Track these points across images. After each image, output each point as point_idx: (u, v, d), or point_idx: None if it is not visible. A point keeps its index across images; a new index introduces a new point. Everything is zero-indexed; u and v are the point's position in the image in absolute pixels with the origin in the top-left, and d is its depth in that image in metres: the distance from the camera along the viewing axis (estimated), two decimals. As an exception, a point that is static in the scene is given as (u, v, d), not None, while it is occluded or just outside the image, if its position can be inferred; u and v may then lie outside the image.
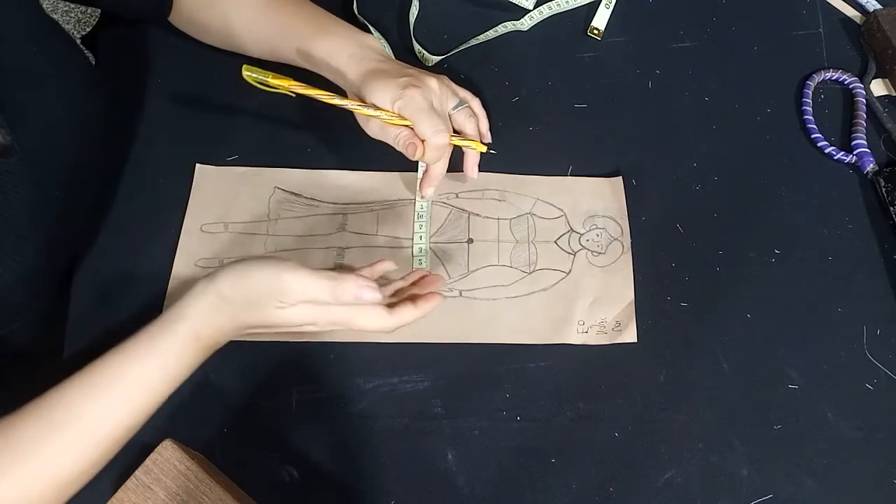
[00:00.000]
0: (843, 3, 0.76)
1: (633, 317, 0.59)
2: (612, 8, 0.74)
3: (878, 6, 0.75)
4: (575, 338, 0.58)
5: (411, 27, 0.70)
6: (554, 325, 0.59)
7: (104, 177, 0.62)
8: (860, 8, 0.76)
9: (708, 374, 0.58)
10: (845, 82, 0.71)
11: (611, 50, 0.72)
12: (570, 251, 0.62)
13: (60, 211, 0.53)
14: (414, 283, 0.55)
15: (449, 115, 0.58)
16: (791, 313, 0.61)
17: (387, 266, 0.54)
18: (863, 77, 0.71)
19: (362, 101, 0.55)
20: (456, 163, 0.61)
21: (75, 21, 1.60)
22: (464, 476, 0.54)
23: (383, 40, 0.68)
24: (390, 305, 0.50)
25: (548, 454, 0.55)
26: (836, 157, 0.67)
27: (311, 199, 0.63)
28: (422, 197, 0.62)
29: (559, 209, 0.64)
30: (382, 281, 0.54)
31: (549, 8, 0.73)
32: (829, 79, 0.72)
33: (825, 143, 0.68)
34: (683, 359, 0.59)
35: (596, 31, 0.72)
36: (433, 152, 0.55)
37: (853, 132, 0.68)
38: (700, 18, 0.74)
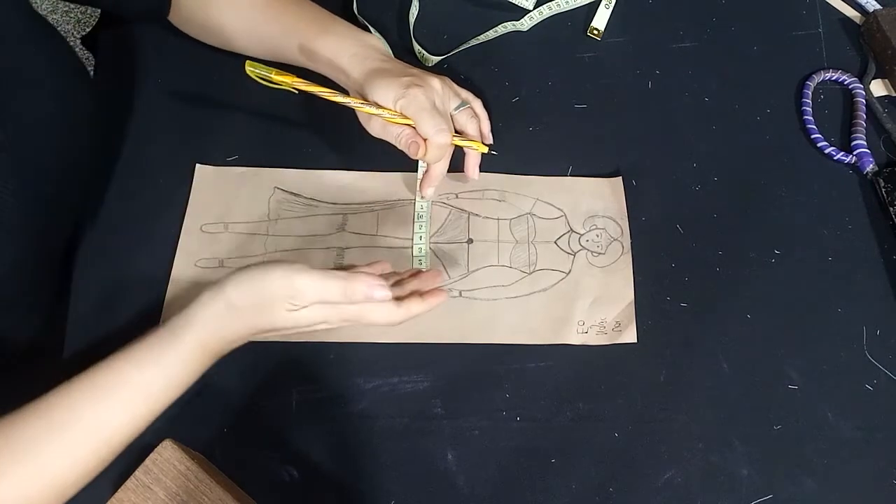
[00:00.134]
0: (843, 3, 0.76)
1: (633, 317, 0.59)
2: (611, 8, 0.74)
3: (878, 6, 0.75)
4: (575, 338, 0.58)
5: (411, 27, 0.70)
6: (554, 326, 0.59)
7: (97, 174, 0.62)
8: (860, 8, 0.76)
9: (708, 374, 0.58)
10: (845, 82, 0.71)
11: (611, 50, 0.72)
12: (570, 251, 0.62)
13: (50, 206, 0.53)
14: (414, 275, 0.55)
15: (451, 116, 0.58)
16: (791, 313, 0.61)
17: (384, 267, 0.55)
18: (862, 77, 0.71)
19: (364, 99, 0.55)
20: (456, 163, 0.61)
21: (75, 21, 1.60)
22: (464, 476, 0.54)
23: (383, 40, 0.68)
24: (397, 299, 0.51)
25: (548, 454, 0.55)
26: (835, 158, 0.67)
27: (311, 199, 0.63)
28: (422, 197, 0.62)
29: (559, 209, 0.64)
30: (384, 275, 0.55)
31: (549, 8, 0.73)
32: (829, 79, 0.72)
33: (825, 143, 0.68)
34: (683, 359, 0.59)
35: (596, 32, 0.72)
36: (435, 152, 0.55)
37: (853, 132, 0.68)
38: (700, 18, 0.74)
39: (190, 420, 0.54)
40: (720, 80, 0.71)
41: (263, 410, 0.55)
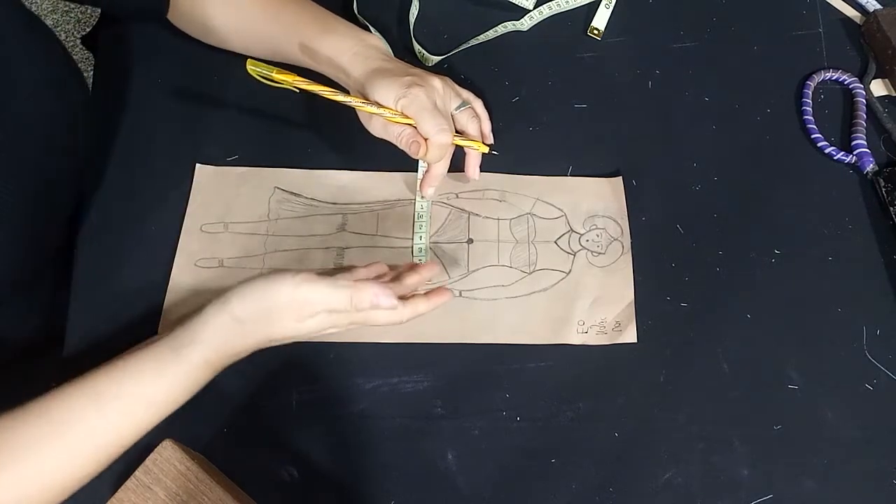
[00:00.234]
0: (843, 3, 0.76)
1: (633, 317, 0.59)
2: (612, 8, 0.74)
3: (878, 6, 0.75)
4: (575, 338, 0.58)
5: (411, 27, 0.70)
6: (554, 326, 0.59)
7: (94, 173, 0.62)
8: (860, 8, 0.76)
9: (708, 374, 0.58)
10: (845, 82, 0.71)
11: (611, 50, 0.72)
12: (570, 251, 0.62)
13: (46, 204, 0.53)
14: (412, 269, 0.55)
15: (452, 116, 0.58)
16: (791, 313, 0.61)
17: (381, 268, 0.55)
18: (863, 77, 0.71)
19: (366, 99, 0.55)
20: (456, 163, 0.61)
21: (75, 21, 1.60)
22: (464, 476, 0.54)
23: (383, 40, 0.68)
24: (400, 297, 0.51)
25: (548, 454, 0.55)
26: (836, 157, 0.67)
27: (311, 199, 0.63)
28: (422, 197, 0.62)
29: (559, 209, 0.64)
30: (383, 274, 0.55)
31: (549, 8, 0.73)
32: (829, 79, 0.72)
33: (825, 143, 0.68)
34: (683, 359, 0.59)
35: (596, 31, 0.72)
36: (436, 151, 0.55)
37: (853, 132, 0.68)
38: (700, 18, 0.74)
39: (190, 420, 0.53)
40: (720, 80, 0.71)
41: (263, 410, 0.55)
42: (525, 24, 0.72)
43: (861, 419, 0.57)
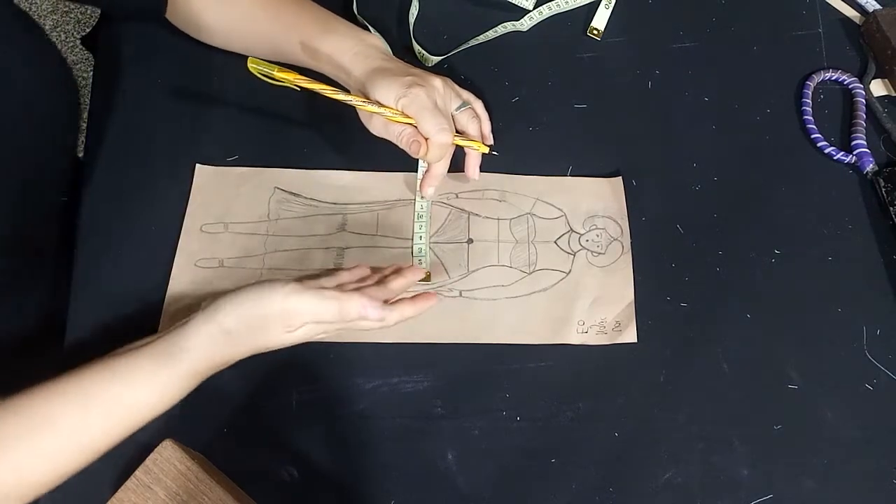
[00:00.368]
0: (843, 3, 0.76)
1: (633, 317, 0.59)
2: (611, 8, 0.74)
3: (878, 6, 0.75)
4: (575, 338, 0.58)
5: (411, 27, 0.70)
6: (554, 326, 0.59)
7: (75, 169, 0.62)
8: (860, 8, 0.76)
9: (708, 374, 0.58)
10: (845, 82, 0.71)
11: (611, 50, 0.72)
12: (570, 251, 0.62)
13: (34, 199, 0.53)
14: (396, 271, 0.56)
15: (452, 116, 0.58)
16: (791, 313, 0.61)
17: (363, 271, 0.55)
18: (862, 77, 0.71)
19: (366, 98, 0.55)
20: (456, 163, 0.61)
21: (75, 21, 1.60)
22: (464, 476, 0.54)
23: (383, 40, 0.68)
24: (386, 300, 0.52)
25: (548, 454, 0.55)
26: (835, 157, 0.67)
27: (311, 199, 0.63)
28: (422, 197, 0.62)
29: (559, 209, 0.64)
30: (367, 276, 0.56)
31: (549, 8, 0.73)
32: (829, 79, 0.72)
33: (825, 143, 0.68)
34: (683, 359, 0.59)
35: (596, 32, 0.72)
36: (436, 151, 0.55)
37: (853, 132, 0.68)
38: (700, 18, 0.74)
39: (190, 420, 0.54)
40: (720, 80, 0.71)
41: (263, 410, 0.55)
42: (525, 24, 0.72)
43: (861, 419, 0.57)
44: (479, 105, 0.61)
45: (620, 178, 0.65)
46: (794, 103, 0.71)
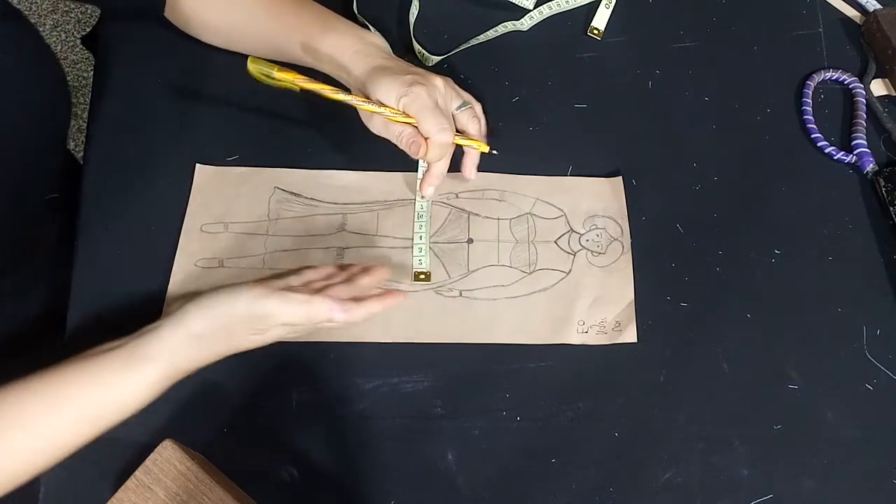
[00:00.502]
0: (843, 3, 0.76)
1: (633, 317, 0.59)
2: (612, 8, 0.73)
3: (878, 6, 0.75)
4: (575, 338, 0.58)
5: (411, 27, 0.70)
6: (554, 325, 0.59)
7: (67, 168, 0.61)
8: (860, 8, 0.76)
9: (708, 374, 0.58)
10: (845, 82, 0.71)
11: (611, 50, 0.72)
12: (570, 251, 0.62)
13: (10, 199, 0.53)
14: (364, 270, 0.56)
15: (452, 115, 0.58)
16: (791, 313, 0.61)
17: (328, 270, 0.56)
18: (863, 77, 0.71)
19: (367, 97, 0.55)
20: (456, 163, 0.61)
21: (75, 21, 1.60)
22: (464, 476, 0.54)
23: (383, 39, 0.68)
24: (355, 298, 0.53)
25: (548, 454, 0.55)
26: (836, 157, 0.67)
27: (311, 199, 0.63)
28: (422, 196, 0.62)
29: (559, 209, 0.64)
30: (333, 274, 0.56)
31: (549, 8, 0.73)
32: (829, 79, 0.72)
33: (825, 143, 0.68)
34: (683, 359, 0.59)
35: (596, 31, 0.72)
36: (436, 150, 0.55)
37: (853, 132, 0.68)
38: (700, 18, 0.74)
39: (190, 420, 0.54)
40: (720, 80, 0.71)
41: (263, 410, 0.55)
42: (525, 24, 0.72)
43: (861, 419, 0.57)
44: (477, 107, 0.61)
45: (620, 178, 0.65)
46: (794, 103, 0.70)
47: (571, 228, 0.63)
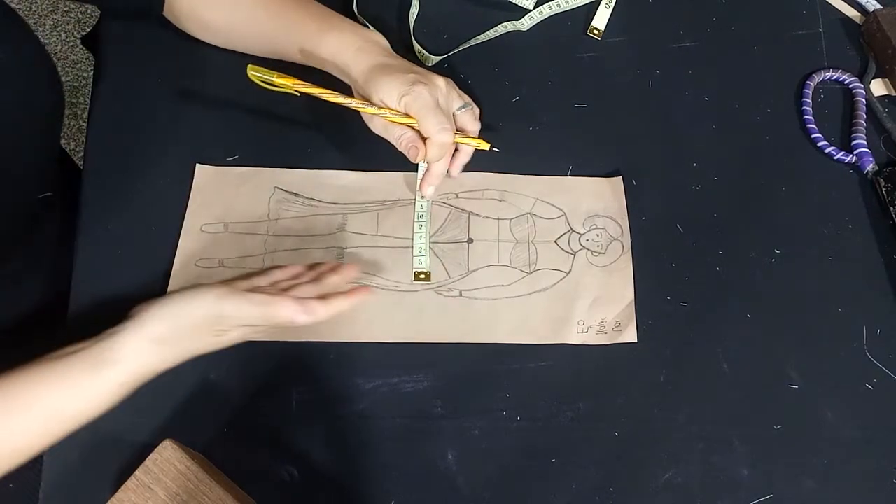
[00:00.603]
0: (843, 3, 0.76)
1: (633, 317, 0.59)
2: (612, 8, 0.73)
3: (878, 6, 0.75)
4: (575, 338, 0.58)
5: (411, 27, 0.70)
6: (554, 325, 0.59)
7: (60, 167, 0.61)
8: (860, 8, 0.76)
9: (708, 374, 0.58)
10: (845, 82, 0.71)
11: (611, 50, 0.72)
12: (570, 251, 0.62)
13: (15, 192, 0.53)
14: (333, 269, 0.56)
15: (453, 116, 0.58)
16: (791, 313, 0.61)
17: (295, 270, 0.55)
18: (863, 77, 0.71)
19: (368, 96, 0.55)
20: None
21: (75, 21, 1.59)
22: (464, 476, 0.54)
23: (384, 39, 0.68)
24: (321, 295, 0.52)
25: (548, 454, 0.55)
26: (836, 157, 0.67)
27: (311, 199, 0.63)
28: (422, 196, 0.62)
29: (559, 209, 0.64)
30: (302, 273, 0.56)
31: (549, 8, 0.73)
32: (829, 79, 0.72)
33: (825, 143, 0.68)
34: (683, 359, 0.59)
35: (596, 31, 0.72)
36: (436, 150, 0.55)
37: (853, 132, 0.68)
38: (700, 18, 0.74)
39: (190, 420, 0.54)
40: (720, 80, 0.71)
41: (263, 410, 0.55)
42: (525, 24, 0.72)
43: (861, 419, 0.57)
44: (475, 111, 0.61)
45: (620, 177, 0.65)
46: (794, 103, 0.70)
47: (571, 228, 0.63)
